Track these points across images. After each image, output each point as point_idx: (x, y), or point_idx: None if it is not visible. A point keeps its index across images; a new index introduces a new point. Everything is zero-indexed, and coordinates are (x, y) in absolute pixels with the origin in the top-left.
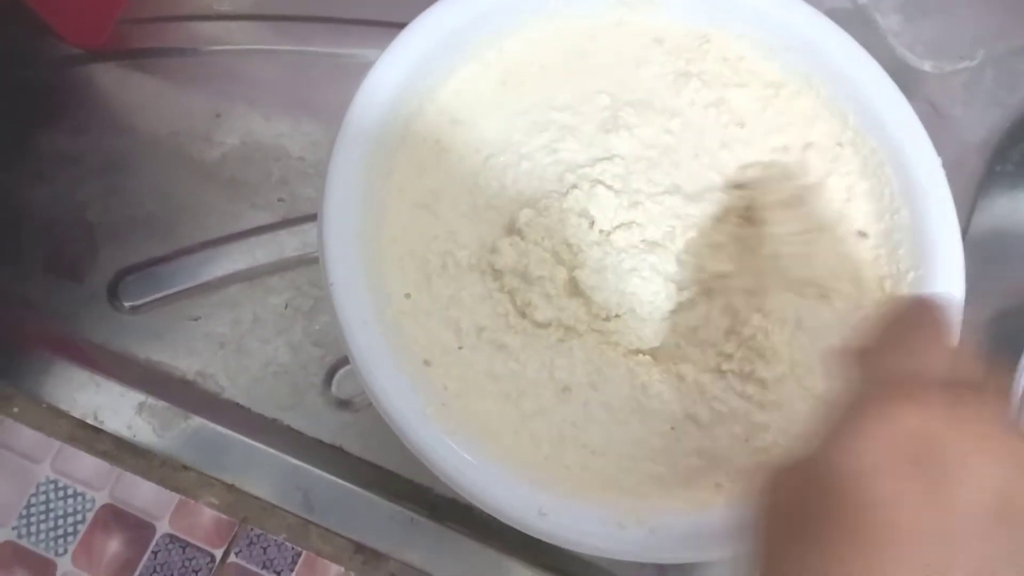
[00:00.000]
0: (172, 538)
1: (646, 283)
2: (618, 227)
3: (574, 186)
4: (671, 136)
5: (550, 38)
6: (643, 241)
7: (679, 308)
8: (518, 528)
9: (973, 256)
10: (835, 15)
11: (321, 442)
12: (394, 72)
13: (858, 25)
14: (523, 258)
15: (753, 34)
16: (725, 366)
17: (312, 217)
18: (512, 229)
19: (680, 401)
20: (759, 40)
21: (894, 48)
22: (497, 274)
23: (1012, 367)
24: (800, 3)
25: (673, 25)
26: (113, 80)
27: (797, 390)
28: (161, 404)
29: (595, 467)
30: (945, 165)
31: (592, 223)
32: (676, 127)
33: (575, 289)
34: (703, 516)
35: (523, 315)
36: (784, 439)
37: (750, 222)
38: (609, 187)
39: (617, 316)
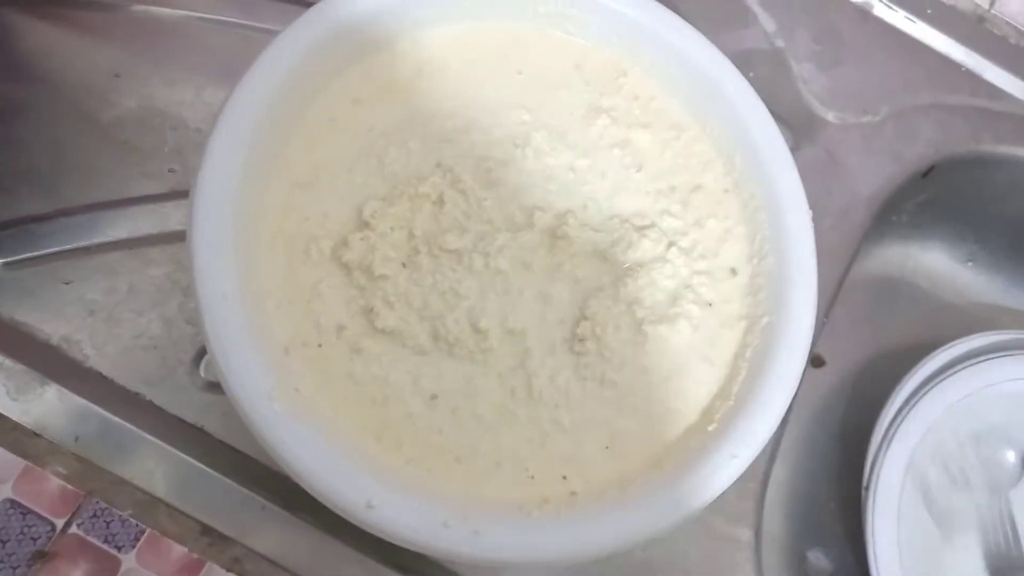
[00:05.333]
0: (13, 503)
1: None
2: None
3: (441, 173)
4: (573, 175)
5: (473, 37)
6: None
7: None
8: (347, 518)
9: (862, 298)
10: (753, 55)
11: (182, 421)
12: (295, 48)
13: (772, 67)
14: (369, 253)
15: (664, 69)
16: (584, 371)
17: None
18: (360, 222)
19: (548, 407)
20: (669, 76)
21: (802, 94)
22: (348, 269)
23: (878, 401)
24: (707, 44)
25: (593, 51)
26: (11, 25)
27: (651, 397)
28: (19, 367)
29: (457, 473)
30: (834, 211)
31: (439, 213)
32: (582, 167)
33: (421, 301)
34: (531, 522)
35: (370, 322)
36: (645, 447)
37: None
38: (475, 181)
39: (478, 331)
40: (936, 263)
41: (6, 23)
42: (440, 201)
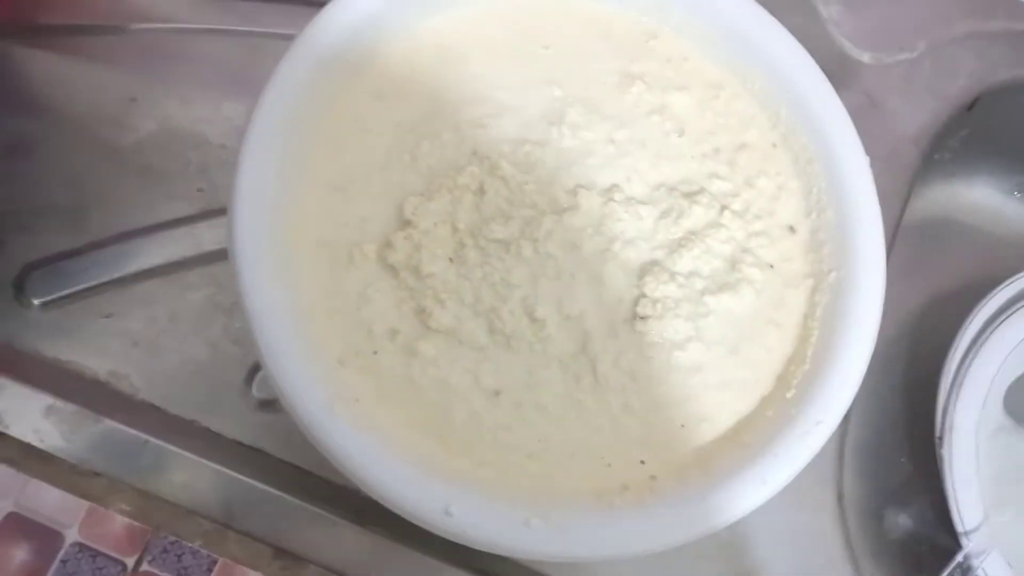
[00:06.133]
0: (82, 547)
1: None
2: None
3: (478, 161)
4: (613, 147)
5: (490, 16)
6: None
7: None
8: (425, 528)
9: (911, 243)
10: (777, 2)
11: (241, 444)
12: (312, 53)
13: (799, 14)
14: (415, 253)
15: (695, 26)
16: (649, 351)
17: None
18: (402, 221)
19: (615, 391)
20: (701, 33)
21: (834, 38)
22: (394, 271)
23: (942, 347)
24: None
25: (619, 17)
26: (19, 58)
27: (722, 370)
28: (70, 407)
29: (530, 470)
30: (880, 156)
31: (480, 203)
32: (621, 138)
33: (472, 296)
34: (615, 513)
35: (424, 323)
36: (721, 422)
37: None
38: (514, 166)
39: (535, 321)
40: (983, 198)
41: (12, 57)
42: (481, 191)
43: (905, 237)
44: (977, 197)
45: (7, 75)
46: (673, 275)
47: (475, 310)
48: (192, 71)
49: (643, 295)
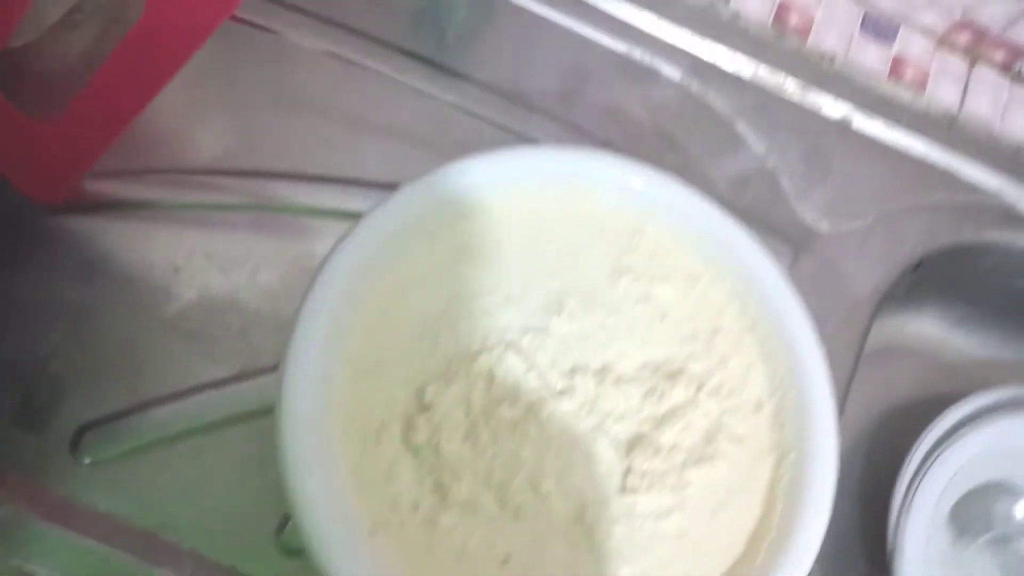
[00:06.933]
0: None
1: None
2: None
3: (488, 349)
4: (604, 333)
5: (502, 219)
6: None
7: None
8: None
9: (863, 365)
10: (748, 176)
11: None
12: (358, 253)
13: (765, 188)
14: (435, 434)
15: (675, 226)
16: (638, 521)
17: (270, 369)
18: (422, 404)
19: (611, 555)
20: (679, 233)
21: (795, 210)
22: (416, 450)
23: (895, 465)
24: (711, 205)
25: (613, 215)
26: (76, 232)
27: (702, 534)
28: (126, 556)
29: None
30: (836, 316)
31: (491, 388)
32: (612, 324)
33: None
34: None
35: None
36: None
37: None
38: (519, 353)
39: (539, 494)
40: (930, 328)
41: (69, 232)
42: (491, 376)
43: (861, 363)
44: (925, 328)
45: (66, 248)
46: (657, 450)
47: (488, 484)
48: (230, 243)
49: (630, 469)
